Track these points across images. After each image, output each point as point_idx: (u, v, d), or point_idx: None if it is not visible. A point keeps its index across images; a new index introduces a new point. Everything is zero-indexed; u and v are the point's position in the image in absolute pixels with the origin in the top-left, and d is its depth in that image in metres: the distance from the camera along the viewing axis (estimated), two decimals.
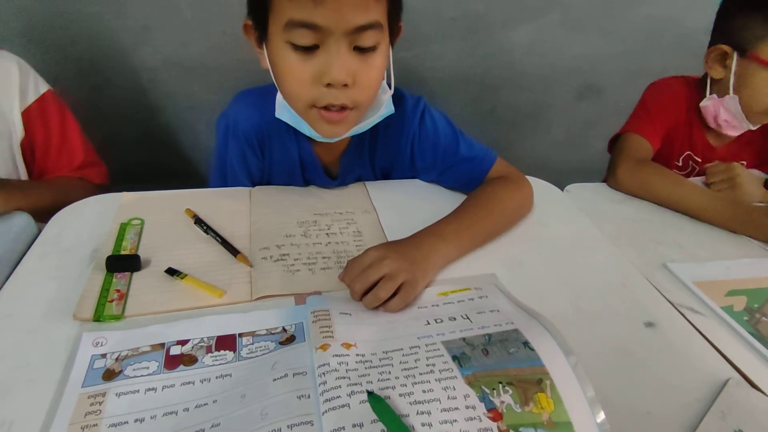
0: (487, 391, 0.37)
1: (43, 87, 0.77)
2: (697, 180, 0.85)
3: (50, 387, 0.39)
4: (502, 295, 0.51)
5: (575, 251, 0.62)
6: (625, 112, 0.94)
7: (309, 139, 0.66)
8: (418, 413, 0.35)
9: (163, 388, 0.39)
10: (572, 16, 1.26)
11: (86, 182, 0.82)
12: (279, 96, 0.61)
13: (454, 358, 0.40)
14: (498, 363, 0.40)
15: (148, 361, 0.42)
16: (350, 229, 0.62)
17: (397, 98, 0.66)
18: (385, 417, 0.34)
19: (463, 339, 0.43)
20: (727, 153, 0.92)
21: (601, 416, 0.35)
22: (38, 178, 0.79)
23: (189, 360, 0.42)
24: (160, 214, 0.61)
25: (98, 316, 0.46)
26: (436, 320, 0.46)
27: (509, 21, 1.24)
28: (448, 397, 0.37)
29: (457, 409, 0.36)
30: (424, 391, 0.37)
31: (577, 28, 1.29)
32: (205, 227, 0.59)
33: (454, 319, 0.46)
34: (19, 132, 0.74)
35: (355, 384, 0.37)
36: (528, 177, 0.71)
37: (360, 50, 0.53)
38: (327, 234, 0.60)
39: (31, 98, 0.75)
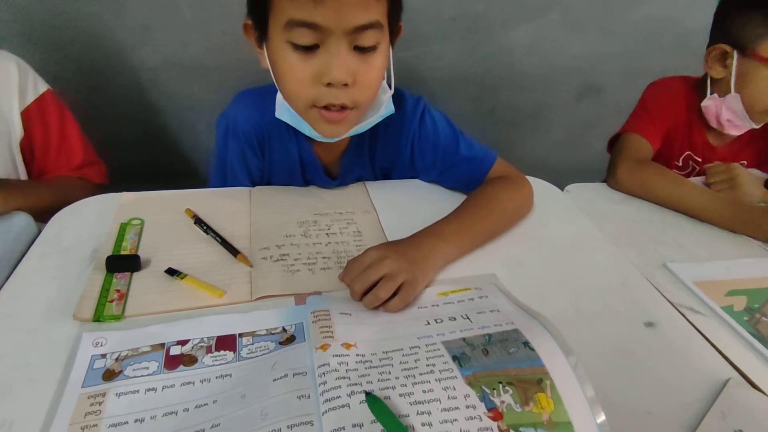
0: (488, 390, 0.37)
1: (42, 87, 0.77)
2: (697, 180, 0.85)
3: (50, 387, 0.39)
4: (502, 295, 0.51)
5: (575, 251, 0.62)
6: (625, 112, 0.94)
7: (309, 139, 0.66)
8: (418, 413, 0.35)
9: (163, 389, 0.39)
10: (572, 16, 1.26)
11: (86, 182, 0.82)
12: (279, 96, 0.61)
13: (454, 358, 0.40)
14: (498, 363, 0.40)
15: (148, 361, 0.42)
16: (350, 229, 0.62)
17: (397, 98, 0.66)
18: (383, 417, 0.34)
19: (463, 339, 0.43)
20: (727, 153, 0.92)
21: (602, 417, 0.35)
22: (38, 177, 0.79)
23: (189, 360, 0.42)
24: (160, 214, 0.61)
25: (98, 316, 0.46)
26: (436, 320, 0.46)
27: (509, 21, 1.24)
28: (449, 397, 0.37)
29: (457, 408, 0.36)
30: (424, 392, 0.37)
31: (577, 28, 1.29)
32: (205, 227, 0.59)
33: (454, 319, 0.46)
34: (18, 132, 0.74)
35: (355, 384, 0.37)
36: (528, 177, 0.71)
37: (360, 50, 0.53)
38: (327, 234, 0.60)
39: (30, 98, 0.75)
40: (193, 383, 0.40)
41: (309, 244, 0.58)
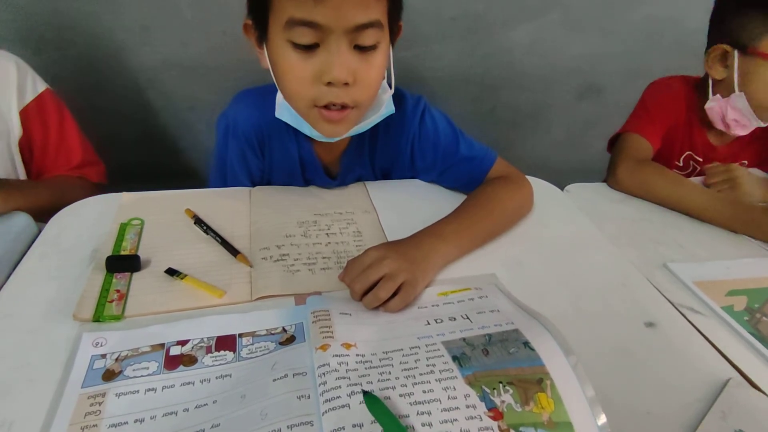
0: (488, 390, 0.37)
1: (41, 86, 0.77)
2: (697, 180, 0.85)
3: (50, 387, 0.39)
4: (502, 295, 0.51)
5: (575, 251, 0.62)
6: (625, 112, 0.94)
7: (309, 138, 0.66)
8: (418, 413, 0.35)
9: (163, 389, 0.39)
10: (572, 16, 1.26)
11: (85, 181, 0.82)
12: (279, 96, 0.61)
13: (455, 358, 0.40)
14: (498, 363, 0.40)
15: (148, 361, 0.42)
16: (350, 229, 0.62)
17: (398, 98, 0.66)
18: (382, 416, 0.34)
19: (464, 339, 0.43)
20: (728, 152, 0.92)
21: (602, 419, 0.35)
22: (37, 177, 0.79)
23: (189, 360, 0.42)
24: (160, 214, 0.61)
25: (98, 317, 0.46)
26: (436, 320, 0.46)
27: (509, 21, 1.24)
28: (449, 397, 0.37)
29: (457, 408, 0.36)
30: (424, 392, 0.37)
31: (577, 28, 1.29)
32: (205, 227, 0.59)
33: (454, 319, 0.46)
34: (16, 131, 0.74)
35: (355, 384, 0.37)
36: (528, 177, 0.71)
37: (360, 49, 0.53)
38: (327, 234, 0.60)
39: (29, 97, 0.75)
40: (193, 383, 0.40)
41: (309, 244, 0.58)
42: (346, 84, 0.53)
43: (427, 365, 0.40)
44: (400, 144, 0.71)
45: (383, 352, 0.41)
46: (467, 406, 0.36)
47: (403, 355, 0.41)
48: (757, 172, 0.89)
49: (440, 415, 0.35)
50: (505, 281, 0.54)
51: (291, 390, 0.38)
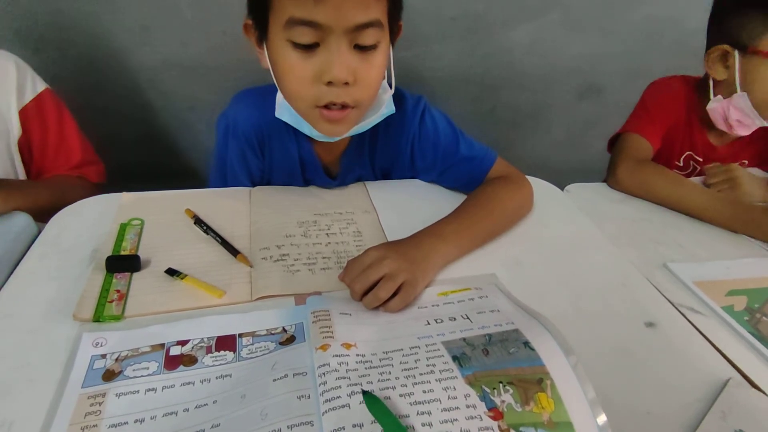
0: (488, 390, 0.37)
1: (41, 86, 0.77)
2: (697, 180, 0.85)
3: (50, 387, 0.39)
4: (502, 295, 0.51)
5: (575, 251, 0.62)
6: (625, 112, 0.94)
7: (309, 138, 0.66)
8: (418, 413, 0.35)
9: (163, 389, 0.39)
10: (572, 16, 1.26)
11: (84, 181, 0.82)
12: (279, 96, 0.61)
13: (455, 358, 0.40)
14: (498, 363, 0.40)
15: (148, 361, 0.42)
16: (350, 229, 0.62)
17: (398, 98, 0.66)
18: (382, 416, 0.34)
19: (464, 339, 0.43)
20: (728, 152, 0.92)
21: (603, 419, 0.35)
22: (36, 177, 0.79)
23: (189, 360, 0.42)
24: (160, 214, 0.61)
25: (98, 317, 0.46)
26: (436, 320, 0.46)
27: (509, 21, 1.24)
28: (449, 397, 0.37)
29: (457, 408, 0.36)
30: (424, 392, 0.37)
31: (577, 28, 1.29)
32: (205, 227, 0.59)
33: (454, 319, 0.46)
34: (16, 131, 0.74)
35: (356, 384, 0.37)
36: (528, 177, 0.71)
37: (360, 48, 0.53)
38: (327, 234, 0.60)
39: (29, 97, 0.75)
40: (193, 383, 0.40)
41: (309, 244, 0.58)
42: (347, 84, 0.53)
43: (427, 365, 0.40)
44: (400, 144, 0.71)
45: (383, 352, 0.41)
46: (467, 406, 0.36)
47: (403, 355, 0.41)
48: (757, 172, 0.89)
49: (440, 415, 0.35)
50: (505, 281, 0.54)
51: (291, 390, 0.38)
